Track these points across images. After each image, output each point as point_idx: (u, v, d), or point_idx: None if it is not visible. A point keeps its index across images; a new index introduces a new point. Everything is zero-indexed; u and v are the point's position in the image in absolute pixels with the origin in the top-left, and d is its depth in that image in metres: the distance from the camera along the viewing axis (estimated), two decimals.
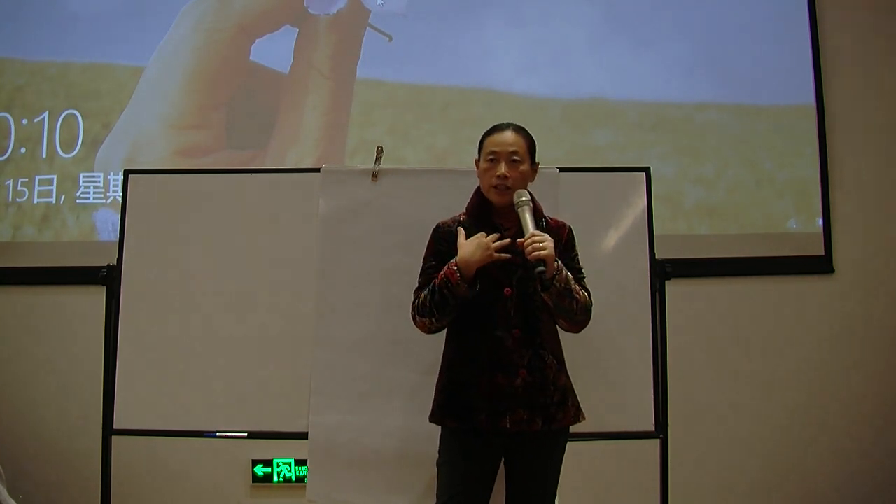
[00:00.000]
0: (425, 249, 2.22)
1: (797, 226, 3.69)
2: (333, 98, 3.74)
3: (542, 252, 2.00)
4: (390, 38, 3.75)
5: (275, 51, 3.76)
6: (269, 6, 3.78)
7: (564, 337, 2.26)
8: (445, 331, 2.20)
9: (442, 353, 2.22)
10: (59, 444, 3.55)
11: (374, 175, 2.52)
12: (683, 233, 3.65)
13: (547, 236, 2.04)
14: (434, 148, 3.71)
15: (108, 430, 2.55)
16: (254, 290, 2.56)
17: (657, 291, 2.54)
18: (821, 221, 3.67)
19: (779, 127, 3.72)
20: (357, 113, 3.74)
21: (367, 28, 3.76)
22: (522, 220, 2.08)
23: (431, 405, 2.20)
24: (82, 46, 3.78)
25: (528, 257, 2.01)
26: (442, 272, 2.09)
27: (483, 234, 2.09)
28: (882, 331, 3.65)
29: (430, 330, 2.16)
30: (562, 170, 2.55)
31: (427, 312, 2.11)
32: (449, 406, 2.15)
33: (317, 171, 2.55)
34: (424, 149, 3.66)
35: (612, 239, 2.56)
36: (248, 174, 2.75)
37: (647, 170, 2.60)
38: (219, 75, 3.74)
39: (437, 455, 2.20)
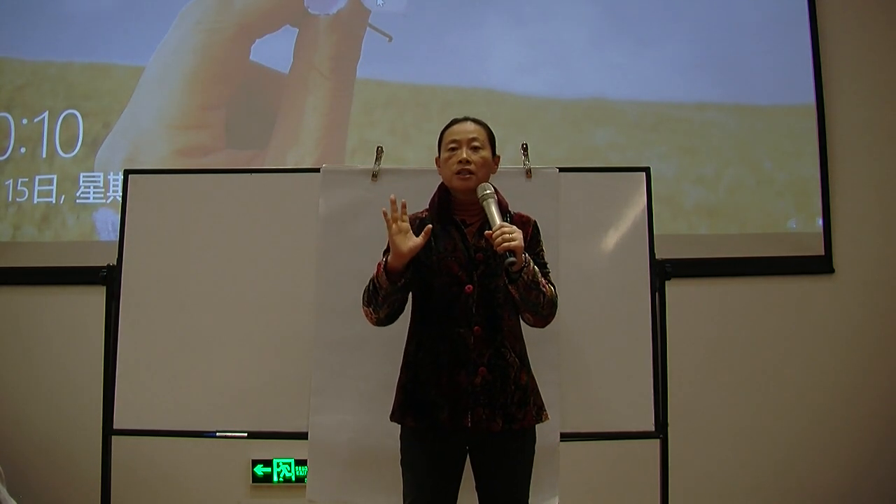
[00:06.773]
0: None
1: (797, 226, 3.69)
2: (333, 98, 3.74)
3: (512, 243, 1.98)
4: (390, 38, 3.75)
5: (275, 51, 3.76)
6: (269, 6, 3.78)
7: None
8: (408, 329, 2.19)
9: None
10: (59, 444, 3.55)
11: (374, 175, 2.53)
12: (683, 233, 3.65)
13: (515, 227, 2.03)
14: (434, 148, 3.66)
15: (108, 430, 2.55)
16: (254, 290, 2.57)
17: (657, 291, 2.54)
18: (821, 221, 3.67)
19: (779, 127, 3.72)
20: (357, 113, 3.74)
21: (367, 28, 3.76)
22: (488, 213, 2.06)
23: (392, 403, 2.18)
24: (82, 46, 3.78)
25: (497, 249, 1.99)
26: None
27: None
28: (882, 331, 3.64)
29: (374, 320, 2.15)
30: (562, 170, 2.55)
31: (365, 301, 2.14)
32: (409, 404, 2.14)
33: (317, 171, 2.56)
34: (424, 149, 3.64)
35: (612, 239, 2.56)
36: (248, 174, 2.74)
37: (647, 170, 2.61)
38: (219, 75, 3.74)
39: None
